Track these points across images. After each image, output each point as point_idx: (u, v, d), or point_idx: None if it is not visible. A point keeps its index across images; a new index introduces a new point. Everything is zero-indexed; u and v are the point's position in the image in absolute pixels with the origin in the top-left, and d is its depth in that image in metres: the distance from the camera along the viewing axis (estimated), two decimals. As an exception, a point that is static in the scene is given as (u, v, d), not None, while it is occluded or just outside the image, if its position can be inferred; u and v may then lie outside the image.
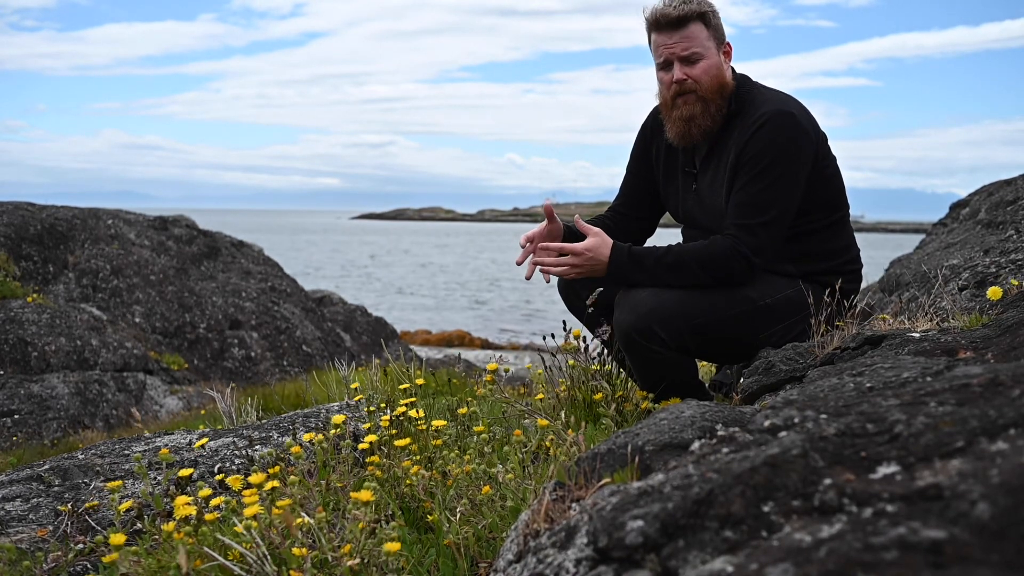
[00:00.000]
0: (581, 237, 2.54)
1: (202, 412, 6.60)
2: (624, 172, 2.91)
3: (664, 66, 2.54)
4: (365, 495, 1.45)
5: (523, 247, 2.60)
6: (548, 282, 2.62)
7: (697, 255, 2.43)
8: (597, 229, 2.50)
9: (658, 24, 2.49)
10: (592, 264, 2.47)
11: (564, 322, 2.82)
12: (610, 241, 2.48)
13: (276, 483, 1.58)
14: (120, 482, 1.79)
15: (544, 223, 2.60)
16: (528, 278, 2.59)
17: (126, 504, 1.81)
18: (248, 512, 1.43)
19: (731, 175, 2.49)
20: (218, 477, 2.31)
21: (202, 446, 2.23)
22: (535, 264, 2.54)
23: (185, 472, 2.10)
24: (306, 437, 2.15)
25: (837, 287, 2.50)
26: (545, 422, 2.06)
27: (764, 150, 2.42)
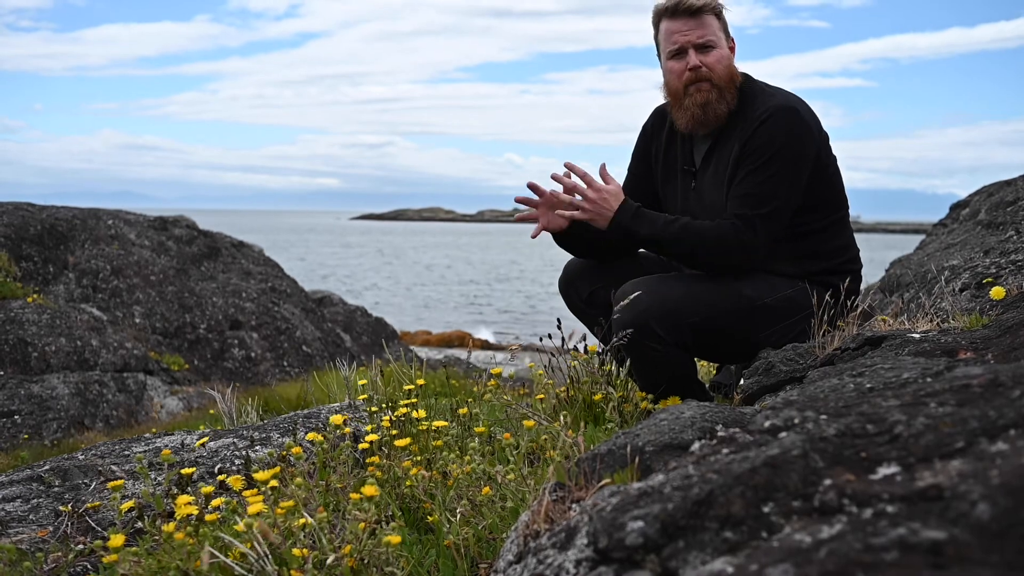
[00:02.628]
0: (579, 233, 2.62)
1: (210, 412, 6.60)
2: (625, 172, 2.91)
3: (677, 54, 2.53)
4: (369, 490, 1.45)
5: (531, 191, 2.63)
6: (534, 237, 2.65)
7: (702, 232, 2.45)
8: (619, 183, 2.56)
9: (675, 11, 2.50)
10: (600, 209, 2.50)
11: (558, 319, 2.82)
12: (624, 196, 2.52)
13: (276, 483, 1.58)
14: (122, 481, 1.79)
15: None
16: (534, 237, 2.64)
17: (128, 504, 1.81)
18: (252, 511, 1.43)
19: (733, 170, 2.49)
20: (220, 477, 2.31)
21: (202, 445, 2.23)
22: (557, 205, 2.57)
23: (187, 471, 2.10)
24: (307, 438, 2.15)
25: (840, 287, 2.51)
26: (532, 423, 2.06)
27: (767, 144, 2.43)
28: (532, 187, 2.64)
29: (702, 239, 2.43)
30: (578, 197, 2.53)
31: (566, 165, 2.59)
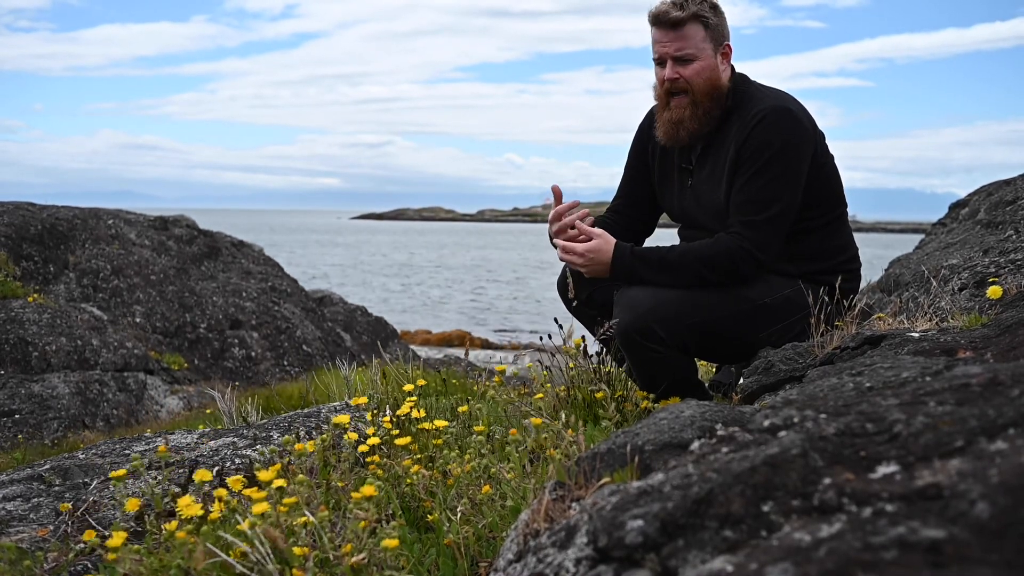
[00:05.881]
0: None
1: (208, 411, 6.60)
2: (622, 171, 2.91)
3: (658, 63, 2.56)
4: (367, 490, 1.45)
5: (553, 226, 2.61)
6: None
7: (702, 254, 2.43)
8: (599, 231, 2.50)
9: (657, 21, 2.50)
10: (594, 265, 2.49)
11: (556, 319, 2.83)
12: (613, 242, 2.49)
13: (283, 482, 1.58)
14: (124, 471, 1.79)
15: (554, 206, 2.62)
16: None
17: (132, 502, 1.81)
18: (256, 510, 1.43)
19: (731, 172, 2.49)
20: (227, 478, 2.31)
21: (209, 443, 2.23)
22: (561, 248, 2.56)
23: (203, 476, 2.09)
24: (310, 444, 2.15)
25: (837, 286, 2.51)
26: (539, 420, 2.06)
27: (764, 146, 2.43)
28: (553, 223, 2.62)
29: (703, 261, 2.41)
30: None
31: (553, 190, 2.60)
